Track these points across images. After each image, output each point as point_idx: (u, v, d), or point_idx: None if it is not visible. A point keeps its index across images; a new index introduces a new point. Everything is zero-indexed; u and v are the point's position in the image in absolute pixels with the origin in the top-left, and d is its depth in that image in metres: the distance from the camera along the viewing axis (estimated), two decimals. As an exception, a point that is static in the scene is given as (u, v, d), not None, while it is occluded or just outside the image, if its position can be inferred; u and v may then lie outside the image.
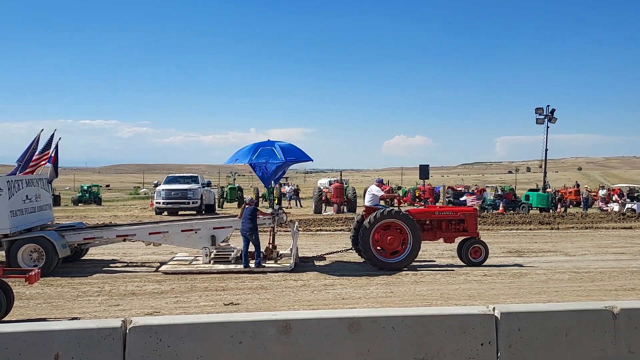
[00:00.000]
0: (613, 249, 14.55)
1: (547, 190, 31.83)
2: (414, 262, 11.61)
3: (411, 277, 10.36)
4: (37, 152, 12.71)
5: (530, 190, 31.17)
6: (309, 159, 12.00)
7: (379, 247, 11.38)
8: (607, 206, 30.43)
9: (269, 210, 11.99)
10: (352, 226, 12.52)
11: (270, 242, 11.80)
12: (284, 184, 42.55)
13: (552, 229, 19.82)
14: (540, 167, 35.71)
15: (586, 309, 5.21)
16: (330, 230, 19.04)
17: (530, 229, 19.65)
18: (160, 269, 10.89)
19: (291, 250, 11.35)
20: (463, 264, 11.73)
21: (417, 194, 35.20)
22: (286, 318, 4.53)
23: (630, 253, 13.74)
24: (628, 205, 28.15)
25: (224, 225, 11.48)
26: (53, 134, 13.15)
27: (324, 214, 26.80)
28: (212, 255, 11.22)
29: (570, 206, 32.96)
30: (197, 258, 11.60)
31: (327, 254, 12.79)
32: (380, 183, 12.47)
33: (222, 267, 10.89)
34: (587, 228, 20.11)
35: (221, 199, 32.47)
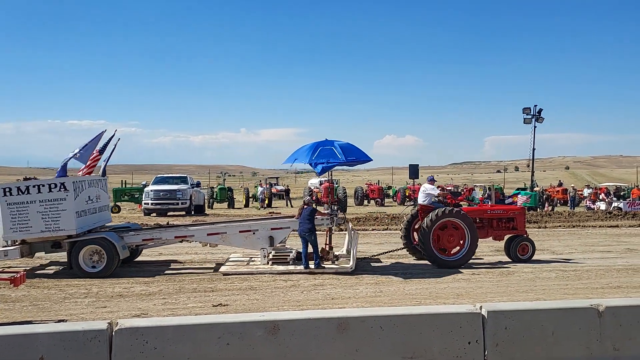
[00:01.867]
0: (600, 247, 14.71)
1: (535, 189, 32.09)
2: (406, 262, 11.69)
3: (400, 276, 10.40)
4: (96, 151, 12.20)
5: (518, 189, 31.41)
6: (369, 159, 11.86)
7: (438, 246, 11.53)
8: (594, 205, 30.76)
9: (325, 210, 11.94)
10: (402, 225, 12.65)
11: (327, 243, 11.69)
12: (275, 184, 42.52)
13: (539, 227, 19.98)
14: (528, 166, 36.03)
15: (572, 307, 5.26)
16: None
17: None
18: (220, 270, 10.76)
19: (347, 251, 11.36)
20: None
21: (407, 194, 35.28)
22: (274, 319, 4.53)
23: (616, 251, 13.89)
24: (614, 204, 28.49)
25: (282, 226, 11.42)
26: (114, 135, 12.70)
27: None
28: (271, 256, 11.18)
29: (558, 205, 33.28)
30: (253, 259, 11.59)
31: (380, 254, 12.70)
32: (432, 181, 12.57)
33: (281, 267, 10.84)
34: (574, 226, 20.31)
35: (211, 200, 32.35)
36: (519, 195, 29.57)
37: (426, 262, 11.73)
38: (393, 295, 8.79)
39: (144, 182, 32.58)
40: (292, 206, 34.80)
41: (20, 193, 10.18)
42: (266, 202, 33.29)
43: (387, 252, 12.75)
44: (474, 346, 4.85)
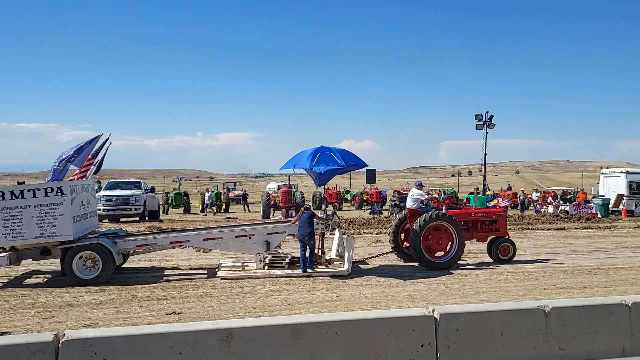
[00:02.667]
0: (547, 249, 15.25)
1: (487, 193, 33.01)
2: (361, 266, 11.83)
3: (357, 280, 10.47)
4: (90, 156, 11.72)
5: (471, 193, 32.24)
6: (365, 165, 12.17)
7: (427, 248, 11.87)
8: (542, 208, 31.89)
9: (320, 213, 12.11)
10: (390, 229, 12.92)
11: (320, 247, 11.77)
12: (232, 189, 42.08)
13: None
14: (481, 170, 37.03)
15: (520, 308, 5.43)
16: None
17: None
18: (218, 275, 10.72)
19: (338, 254, 11.61)
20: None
21: (364, 198, 35.64)
22: (228, 327, 4.48)
23: (563, 253, 14.44)
24: (561, 207, 29.60)
25: (278, 230, 11.46)
26: (107, 139, 12.16)
27: (272, 218, 26.70)
28: (267, 261, 11.26)
29: (508, 208, 34.35)
30: (245, 264, 11.66)
31: (369, 257, 12.85)
32: (420, 186, 12.95)
33: (279, 272, 10.94)
34: (523, 229, 20.99)
35: (166, 205, 31.72)
36: (500, 200, 30.39)
37: (412, 264, 12.22)
38: (349, 300, 8.84)
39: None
40: (249, 211, 34.52)
41: (14, 197, 9.83)
42: (216, 208, 32.86)
43: (377, 256, 12.98)
44: (427, 349, 4.94)
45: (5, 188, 10.11)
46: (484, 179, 35.31)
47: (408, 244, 12.26)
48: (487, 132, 33.44)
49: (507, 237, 13.03)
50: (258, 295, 9.16)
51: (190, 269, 11.90)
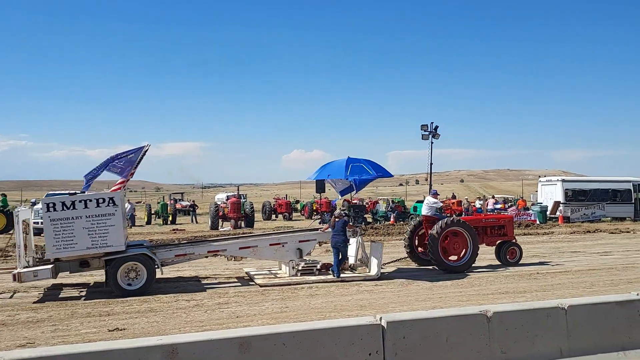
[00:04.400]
0: (490, 255, 15.72)
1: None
2: (313, 277, 11.87)
3: (306, 290, 10.46)
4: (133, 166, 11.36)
5: (418, 201, 32.93)
6: (390, 175, 12.88)
7: (444, 252, 12.51)
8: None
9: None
10: (406, 235, 13.70)
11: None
12: (180, 200, 41.18)
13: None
14: (426, 179, 37.96)
15: (464, 314, 5.57)
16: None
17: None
18: (257, 283, 10.98)
19: (359, 260, 12.18)
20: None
21: (314, 208, 35.72)
22: (172, 342, 4.35)
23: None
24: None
25: (309, 238, 12.01)
26: (147, 149, 11.73)
27: (221, 229, 26.29)
28: (300, 268, 11.72)
29: (454, 216, 35.33)
30: (272, 271, 12.19)
31: (385, 263, 13.05)
32: (435, 194, 13.69)
33: (313, 277, 11.45)
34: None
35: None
36: (500, 203, 31.06)
37: (425, 267, 13.01)
38: (299, 310, 8.80)
39: (33, 200, 30.11)
40: (197, 222, 33.83)
41: (65, 208, 9.75)
42: (170, 218, 32.09)
43: (394, 261, 13.58)
44: (375, 357, 4.98)
45: (56, 199, 10.02)
46: (430, 188, 36.12)
47: (422, 249, 13.26)
48: (432, 142, 34.38)
49: (514, 241, 13.95)
50: (205, 308, 8.97)
51: (227, 278, 12.07)
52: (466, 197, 40.83)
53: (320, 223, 29.79)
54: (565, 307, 5.85)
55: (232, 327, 7.60)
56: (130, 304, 9.29)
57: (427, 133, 34.21)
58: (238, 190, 35.93)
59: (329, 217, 32.55)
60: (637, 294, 6.37)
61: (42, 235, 22.97)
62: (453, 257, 12.72)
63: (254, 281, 11.34)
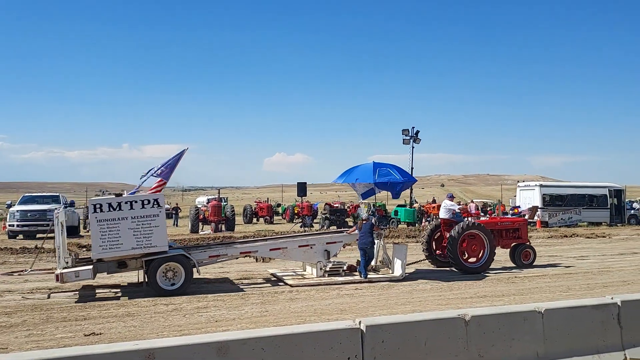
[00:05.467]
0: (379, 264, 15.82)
1: (414, 205, 34.04)
2: (341, 278, 12.04)
3: (287, 294, 10.42)
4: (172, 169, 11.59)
5: (399, 206, 33.16)
6: (414, 180, 13.66)
7: (462, 254, 12.96)
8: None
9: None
10: (423, 239, 14.16)
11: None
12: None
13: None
14: (408, 184, 38.04)
15: (442, 317, 5.62)
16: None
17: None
18: (289, 284, 11.30)
19: (379, 261, 12.69)
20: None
21: (295, 211, 35.68)
22: (149, 347, 4.30)
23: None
24: (483, 219, 31.02)
25: (336, 240, 12.35)
26: (185, 152, 11.96)
27: (201, 233, 26.09)
28: (328, 268, 12.05)
29: (433, 219, 35.60)
30: (296, 271, 12.62)
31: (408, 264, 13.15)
32: (451, 198, 14.36)
33: (341, 278, 11.79)
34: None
35: (87, 220, 30.15)
36: (514, 208, 31.33)
37: (443, 269, 13.43)
38: (279, 315, 8.77)
39: (8, 202, 29.51)
40: (177, 225, 33.49)
41: (111, 209, 9.97)
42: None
43: (413, 263, 13.88)
44: (354, 361, 4.98)
45: (102, 200, 10.24)
46: (411, 192, 36.37)
47: (440, 252, 13.71)
48: (413, 147, 34.60)
49: (528, 243, 14.45)
50: (184, 312, 8.88)
51: (263, 279, 12.31)
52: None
53: (301, 227, 29.76)
54: (542, 311, 5.93)
55: (210, 331, 7.52)
56: (107, 308, 9.15)
57: (408, 138, 34.43)
58: (219, 193, 35.73)
59: (310, 221, 32.70)
60: (612, 298, 6.49)
61: (17, 238, 22.67)
62: (470, 259, 13.14)
63: (283, 282, 11.69)
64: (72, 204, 25.54)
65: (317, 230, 25.64)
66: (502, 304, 9.20)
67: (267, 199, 42.58)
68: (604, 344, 6.18)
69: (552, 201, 30.52)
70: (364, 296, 10.29)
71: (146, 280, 10.28)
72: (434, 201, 40.50)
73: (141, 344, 4.28)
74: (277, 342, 4.78)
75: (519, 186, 34.05)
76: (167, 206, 39.38)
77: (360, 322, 5.13)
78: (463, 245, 13.01)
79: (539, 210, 29.90)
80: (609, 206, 31.38)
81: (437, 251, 13.92)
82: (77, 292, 10.70)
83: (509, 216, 21.94)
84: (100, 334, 7.57)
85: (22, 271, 11.73)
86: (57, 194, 26.14)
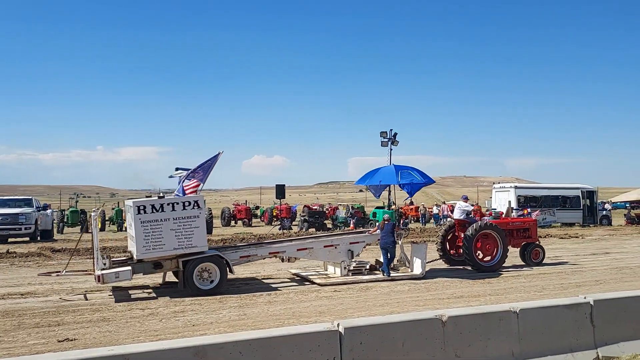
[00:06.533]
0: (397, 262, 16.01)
1: (392, 207, 34.25)
2: (271, 282, 12.00)
3: (265, 297, 10.38)
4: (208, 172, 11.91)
5: (377, 207, 33.29)
6: (432, 182, 13.84)
7: (478, 253, 13.51)
8: (442, 221, 33.60)
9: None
10: (438, 239, 14.71)
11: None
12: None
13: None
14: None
15: (419, 318, 5.66)
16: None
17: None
18: (317, 282, 11.68)
19: (397, 260, 13.04)
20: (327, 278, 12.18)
21: (274, 214, 35.54)
22: (124, 352, 4.24)
23: (460, 263, 15.24)
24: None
25: (359, 240, 12.82)
26: (220, 155, 12.09)
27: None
28: (352, 268, 12.51)
29: (411, 222, 35.89)
30: (321, 271, 13.02)
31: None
32: (466, 199, 15.02)
33: (365, 277, 12.25)
34: (425, 241, 21.93)
35: (61, 224, 29.62)
36: (525, 209, 31.56)
37: (457, 267, 13.93)
38: (257, 318, 8.72)
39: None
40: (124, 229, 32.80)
41: (154, 211, 10.22)
42: (117, 226, 31.13)
43: (428, 262, 13.67)
44: (332, 363, 4.98)
45: (146, 202, 10.44)
46: (389, 194, 36.59)
47: (454, 251, 14.33)
48: (391, 149, 34.77)
49: (537, 243, 15.08)
50: (160, 317, 8.76)
51: (286, 279, 12.59)
52: (422, 203, 41.53)
53: (280, 229, 29.66)
54: (517, 311, 6.02)
55: (187, 336, 7.44)
56: (82, 313, 8.98)
57: (386, 140, 34.55)
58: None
59: (289, 223, 32.60)
60: (585, 298, 6.62)
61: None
62: (485, 258, 13.65)
63: (309, 281, 12.06)
64: (45, 208, 25.03)
65: (295, 233, 25.62)
66: (478, 304, 9.31)
67: (246, 201, 42.25)
68: (577, 342, 6.30)
69: (526, 202, 31.02)
70: (342, 298, 10.30)
71: (184, 280, 10.51)
72: (411, 202, 40.77)
73: (116, 349, 4.22)
74: (255, 345, 4.76)
75: (494, 188, 34.54)
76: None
77: (338, 325, 5.14)
78: (477, 245, 13.53)
79: (513, 211, 30.37)
80: (581, 207, 32.05)
81: (452, 251, 14.49)
82: (74, 297, 10.48)
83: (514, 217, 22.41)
84: (75, 339, 7.42)
85: (58, 272, 11.90)
86: (30, 197, 25.57)
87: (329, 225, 31.57)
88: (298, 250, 12.21)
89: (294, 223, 33.53)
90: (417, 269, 12.58)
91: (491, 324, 5.88)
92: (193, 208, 10.49)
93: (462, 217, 14.21)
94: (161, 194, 11.21)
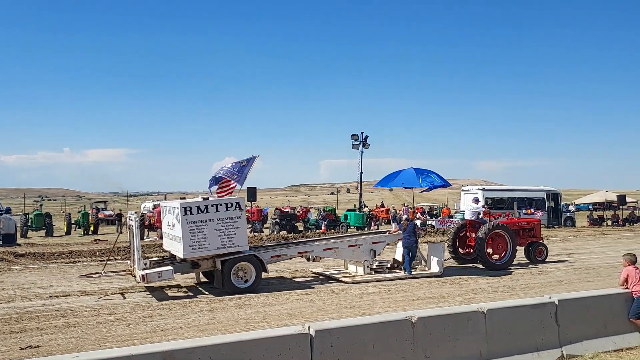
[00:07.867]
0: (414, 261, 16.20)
1: (363, 209, 34.45)
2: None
3: (235, 301, 10.28)
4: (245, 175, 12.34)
5: (349, 210, 33.46)
6: (448, 185, 14.63)
7: (489, 252, 14.08)
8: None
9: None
10: (449, 239, 15.13)
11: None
12: (102, 209, 39.35)
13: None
14: (357, 188, 38.62)
15: (389, 320, 5.70)
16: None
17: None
18: (343, 281, 12.16)
19: (417, 259, 13.34)
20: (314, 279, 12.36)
21: (245, 216, 35.30)
22: (91, 359, 4.14)
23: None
24: (428, 222, 31.79)
25: (380, 240, 13.30)
26: (255, 159, 12.62)
27: (147, 239, 25.34)
28: (374, 266, 12.96)
29: (382, 224, 36.15)
30: (344, 270, 13.51)
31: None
32: (477, 201, 16.09)
33: (387, 275, 12.73)
34: (395, 243, 22.07)
35: (25, 228, 28.76)
36: (527, 209, 31.77)
37: (466, 266, 14.53)
38: (227, 322, 8.63)
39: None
40: (122, 232, 32.30)
41: (199, 212, 10.63)
42: (92, 228, 30.59)
43: (446, 260, 14.13)
44: (302, 366, 4.97)
45: (192, 203, 10.75)
46: (360, 196, 36.84)
47: (464, 250, 14.95)
48: (362, 152, 35.07)
49: (541, 241, 15.78)
50: (128, 322, 8.59)
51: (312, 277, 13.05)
52: (393, 206, 41.91)
53: (251, 232, 29.44)
54: (485, 311, 6.13)
55: (155, 341, 7.30)
56: (46, 319, 8.73)
57: (357, 142, 34.89)
58: (165, 199, 34.81)
59: (260, 226, 32.39)
60: (550, 297, 6.79)
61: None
62: (495, 256, 14.21)
63: (333, 279, 12.56)
64: (8, 211, 24.32)
65: (267, 236, 25.51)
66: (447, 305, 9.43)
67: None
68: (542, 341, 6.45)
69: (494, 204, 31.59)
70: (314, 300, 10.29)
71: (222, 279, 10.84)
72: (382, 205, 41.07)
73: (82, 355, 4.12)
74: (224, 350, 4.71)
75: (463, 190, 35.09)
76: (108, 212, 38.34)
77: (309, 327, 5.13)
78: (488, 244, 14.05)
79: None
80: (546, 209, 32.83)
81: (462, 250, 15.03)
82: (71, 299, 10.13)
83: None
84: (38, 346, 7.21)
85: (97, 273, 12.17)
86: (-8, 200, 24.79)
87: (301, 228, 31.50)
88: (324, 250, 12.66)
89: (265, 226, 33.35)
90: (435, 267, 13.09)
91: (460, 324, 5.96)
92: (235, 209, 10.94)
93: (473, 218, 14.93)
94: (206, 196, 11.42)
